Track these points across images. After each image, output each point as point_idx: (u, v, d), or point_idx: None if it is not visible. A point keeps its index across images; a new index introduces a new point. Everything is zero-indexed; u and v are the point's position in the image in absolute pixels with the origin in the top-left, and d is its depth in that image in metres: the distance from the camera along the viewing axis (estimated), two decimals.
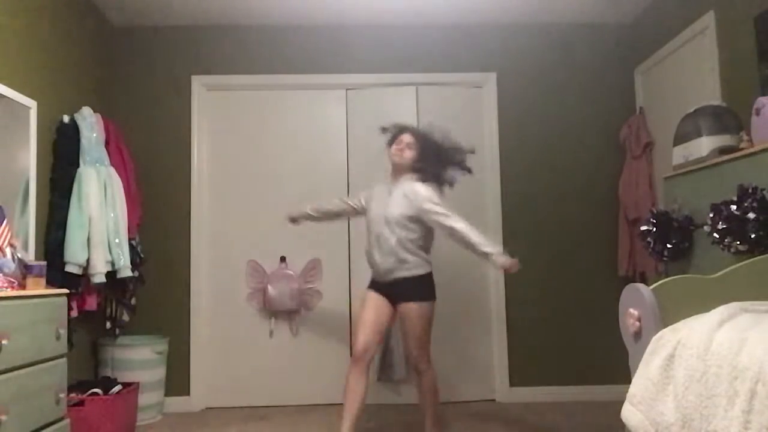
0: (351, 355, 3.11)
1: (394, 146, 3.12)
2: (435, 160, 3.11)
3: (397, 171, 3.13)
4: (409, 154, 3.08)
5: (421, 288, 3.04)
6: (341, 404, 3.86)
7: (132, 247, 3.68)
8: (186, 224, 4.18)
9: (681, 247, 2.72)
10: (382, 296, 3.05)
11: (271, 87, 4.33)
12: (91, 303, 3.47)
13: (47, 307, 2.45)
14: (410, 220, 3.00)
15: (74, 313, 3.29)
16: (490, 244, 2.97)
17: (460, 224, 2.96)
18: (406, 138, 3.11)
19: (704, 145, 2.69)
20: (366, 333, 2.99)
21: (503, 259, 2.93)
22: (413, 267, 3.01)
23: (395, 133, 3.17)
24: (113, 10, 4.06)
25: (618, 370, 3.07)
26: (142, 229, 3.97)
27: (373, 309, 3.03)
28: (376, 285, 3.09)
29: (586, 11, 4.20)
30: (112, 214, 3.45)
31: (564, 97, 4.36)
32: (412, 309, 3.00)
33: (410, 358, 3.08)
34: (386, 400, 4.07)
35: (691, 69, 3.59)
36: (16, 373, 2.20)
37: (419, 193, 3.01)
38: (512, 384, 4.18)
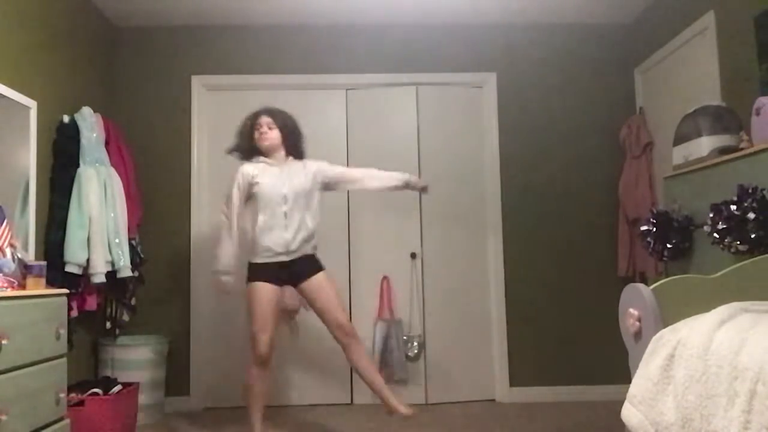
0: (255, 354, 3.00)
1: (256, 132, 3.11)
2: (298, 134, 3.19)
3: (271, 153, 3.12)
4: (275, 134, 3.10)
5: (317, 259, 3.15)
6: (342, 404, 3.87)
7: (132, 247, 3.68)
8: (186, 224, 4.18)
9: (681, 247, 2.72)
10: (273, 285, 3.00)
11: (271, 87, 4.33)
12: (91, 303, 3.47)
13: (47, 307, 2.45)
14: (311, 195, 3.09)
15: (74, 313, 3.29)
16: (396, 175, 3.17)
17: (361, 169, 3.24)
18: (265, 120, 3.11)
19: (704, 145, 2.69)
20: (268, 332, 2.98)
21: (415, 179, 3.19)
22: (314, 244, 3.12)
23: (251, 120, 3.15)
24: (113, 10, 4.06)
25: (618, 370, 3.07)
26: (142, 229, 3.97)
27: (269, 303, 2.99)
28: (268, 272, 3.00)
29: (586, 11, 4.20)
30: (112, 214, 3.45)
31: (564, 97, 4.36)
32: (322, 279, 3.06)
33: (342, 327, 3.03)
34: None
35: (691, 69, 3.59)
36: (16, 373, 2.20)
37: (316, 162, 3.19)
38: (512, 384, 4.18)
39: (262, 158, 3.11)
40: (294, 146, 3.17)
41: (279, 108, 3.20)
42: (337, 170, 3.22)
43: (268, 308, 2.99)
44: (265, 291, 2.99)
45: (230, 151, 3.20)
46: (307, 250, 3.08)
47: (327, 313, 3.06)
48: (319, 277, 3.07)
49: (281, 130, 3.11)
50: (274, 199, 3.01)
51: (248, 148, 3.14)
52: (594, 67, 4.37)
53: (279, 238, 3.00)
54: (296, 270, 3.04)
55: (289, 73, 4.31)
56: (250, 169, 3.07)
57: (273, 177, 3.05)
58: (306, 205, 3.06)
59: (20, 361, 2.23)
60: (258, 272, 3.02)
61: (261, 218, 3.00)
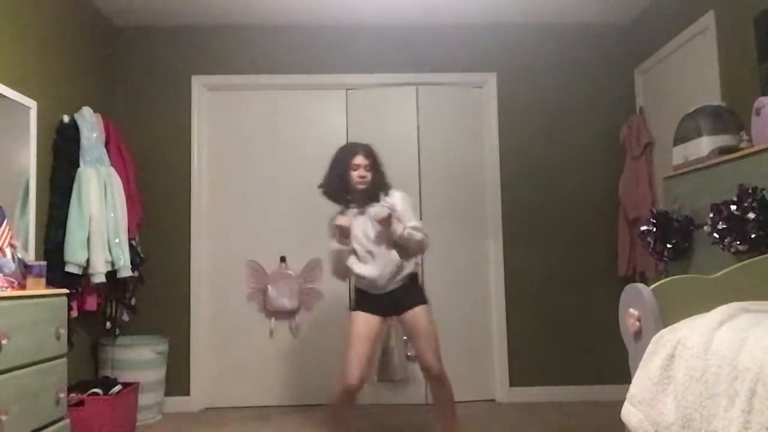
0: (343, 384, 2.81)
1: (353, 172, 2.87)
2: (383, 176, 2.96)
3: (361, 197, 2.91)
4: (370, 176, 2.88)
5: (420, 290, 2.99)
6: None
7: (132, 247, 3.68)
8: (186, 224, 4.18)
9: (681, 247, 2.72)
10: (373, 315, 2.88)
11: (271, 87, 4.33)
12: (91, 303, 3.47)
13: (47, 307, 2.45)
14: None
15: (74, 313, 3.29)
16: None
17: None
18: (361, 160, 2.89)
19: (704, 145, 2.68)
20: (361, 366, 2.79)
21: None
22: (407, 269, 2.92)
23: (345, 155, 2.92)
24: (113, 10, 4.06)
25: (618, 370, 3.07)
26: (142, 229, 3.97)
27: (364, 336, 2.84)
28: (367, 302, 2.90)
29: (586, 11, 4.20)
30: (112, 214, 3.45)
31: (564, 97, 4.36)
32: (419, 312, 2.89)
33: (425, 365, 2.86)
34: (386, 400, 4.07)
35: (691, 69, 3.59)
36: (16, 373, 2.20)
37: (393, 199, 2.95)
38: (512, 384, 4.18)
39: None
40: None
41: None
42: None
43: (362, 343, 2.84)
44: (361, 320, 2.87)
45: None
46: (401, 279, 2.92)
47: (420, 352, 2.91)
48: (416, 311, 2.89)
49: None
50: (360, 242, 2.92)
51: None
52: (594, 67, 4.37)
53: (365, 273, 2.91)
54: (392, 300, 2.90)
55: (289, 73, 4.31)
56: None
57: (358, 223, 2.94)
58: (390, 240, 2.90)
59: (20, 361, 2.23)
60: (362, 299, 2.95)
61: None
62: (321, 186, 2.97)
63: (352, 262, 2.91)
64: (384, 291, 2.88)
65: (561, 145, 4.33)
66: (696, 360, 1.56)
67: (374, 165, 2.91)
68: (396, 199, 2.92)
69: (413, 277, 2.97)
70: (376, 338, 2.93)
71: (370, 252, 2.88)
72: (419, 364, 2.92)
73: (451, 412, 2.95)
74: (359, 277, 2.91)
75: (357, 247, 2.89)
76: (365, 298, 2.91)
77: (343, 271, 2.98)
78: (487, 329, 4.24)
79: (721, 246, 2.33)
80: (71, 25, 3.63)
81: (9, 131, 2.97)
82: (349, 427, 2.99)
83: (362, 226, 2.90)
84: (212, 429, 3.64)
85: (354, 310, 2.94)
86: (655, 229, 2.79)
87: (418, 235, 2.87)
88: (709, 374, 1.50)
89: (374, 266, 2.87)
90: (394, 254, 2.88)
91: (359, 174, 2.86)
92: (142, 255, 3.84)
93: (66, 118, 3.43)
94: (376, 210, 2.83)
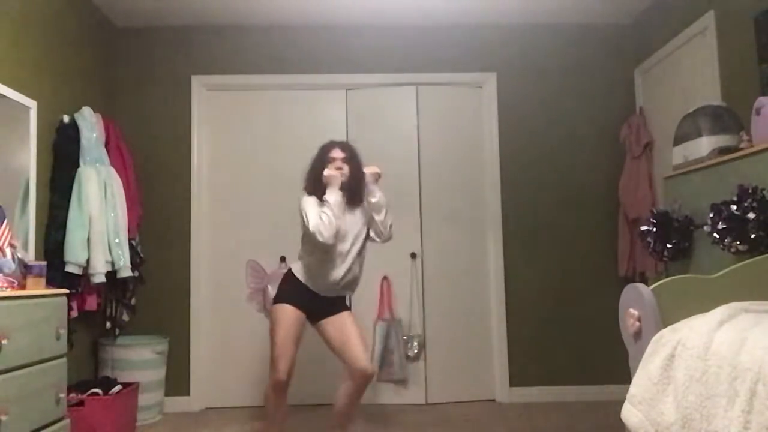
0: (275, 379, 2.86)
1: (330, 164, 2.93)
2: (360, 176, 2.99)
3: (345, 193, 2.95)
4: (347, 170, 2.94)
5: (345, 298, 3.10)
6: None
7: (132, 247, 3.68)
8: (186, 224, 4.18)
9: (681, 247, 2.72)
10: (301, 312, 2.90)
11: (271, 87, 4.33)
12: (91, 303, 3.47)
13: (47, 307, 2.45)
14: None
15: (74, 313, 3.29)
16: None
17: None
18: (338, 153, 2.97)
19: (704, 145, 2.68)
20: (289, 360, 2.84)
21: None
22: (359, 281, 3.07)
23: (323, 151, 3.00)
24: (114, 11, 4.06)
25: (618, 370, 3.07)
26: (142, 229, 3.98)
27: (295, 331, 2.87)
28: (303, 299, 2.90)
29: (586, 11, 4.20)
30: (112, 214, 3.45)
31: (564, 97, 4.36)
32: (348, 317, 2.96)
33: (362, 366, 2.83)
34: (386, 400, 4.08)
35: (691, 69, 3.59)
36: (16, 373, 2.20)
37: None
38: (512, 384, 4.18)
39: None
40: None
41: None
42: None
43: (291, 337, 2.88)
44: (290, 315, 2.90)
45: None
46: (351, 290, 3.09)
47: (347, 351, 2.90)
48: (344, 315, 2.98)
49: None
50: (343, 237, 2.97)
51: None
52: (594, 67, 4.37)
53: (328, 271, 2.96)
54: (328, 304, 2.97)
55: (289, 73, 4.31)
56: None
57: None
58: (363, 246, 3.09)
59: (20, 361, 2.23)
60: (296, 295, 2.97)
61: None
62: (304, 186, 3.02)
63: (316, 262, 2.91)
64: (330, 294, 2.95)
65: (561, 145, 4.33)
66: (696, 360, 1.56)
67: (351, 158, 2.97)
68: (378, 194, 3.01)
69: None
70: (301, 334, 2.94)
71: (348, 252, 2.91)
72: (351, 366, 2.86)
73: (354, 413, 3.06)
74: (318, 277, 2.91)
75: (339, 245, 2.88)
76: (302, 294, 2.92)
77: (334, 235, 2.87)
78: (487, 329, 4.24)
79: (721, 246, 2.33)
80: (71, 25, 3.63)
81: (9, 131, 2.97)
82: (282, 421, 3.04)
83: (354, 223, 2.95)
84: (212, 429, 3.64)
85: (283, 302, 2.91)
86: (655, 229, 2.79)
87: (390, 218, 3.01)
88: (709, 374, 1.50)
89: (341, 269, 2.90)
90: (358, 264, 2.98)
91: (336, 166, 2.93)
92: (142, 255, 3.85)
93: (66, 118, 3.43)
94: (371, 166, 3.00)
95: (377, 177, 3.01)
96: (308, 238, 2.87)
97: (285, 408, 3.02)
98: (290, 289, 2.93)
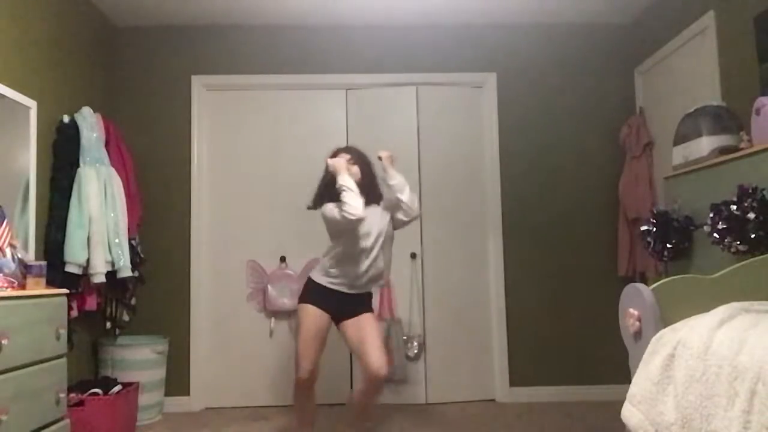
0: (297, 378, 2.93)
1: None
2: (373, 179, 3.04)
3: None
4: (357, 171, 2.97)
5: (371, 297, 3.09)
6: (341, 404, 3.87)
7: (132, 247, 3.68)
8: (186, 224, 4.18)
9: (681, 247, 2.72)
10: (325, 313, 2.93)
11: (271, 87, 4.33)
12: (91, 303, 3.47)
13: (47, 307, 2.45)
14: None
15: (74, 313, 3.29)
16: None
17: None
18: (344, 157, 3.01)
19: (704, 145, 2.69)
20: (312, 360, 2.89)
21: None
22: (385, 277, 3.09)
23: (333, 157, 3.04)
24: (114, 11, 4.06)
25: (618, 370, 3.08)
26: (142, 229, 3.98)
27: (317, 332, 2.90)
28: (327, 300, 2.93)
29: (586, 11, 4.20)
30: (112, 214, 3.45)
31: (564, 97, 4.36)
32: (368, 318, 2.98)
33: (374, 368, 2.81)
34: (386, 400, 4.07)
35: (691, 69, 3.59)
36: (16, 373, 2.20)
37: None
38: (512, 384, 4.18)
39: None
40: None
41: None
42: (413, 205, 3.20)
43: (315, 337, 2.92)
44: (314, 315, 2.94)
45: None
46: (376, 286, 3.11)
47: (367, 351, 2.90)
48: (368, 315, 3.00)
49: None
50: (368, 234, 3.00)
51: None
52: (594, 67, 4.37)
53: (356, 266, 2.99)
54: (353, 303, 2.99)
55: (289, 73, 4.31)
56: None
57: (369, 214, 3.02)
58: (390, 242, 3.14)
59: (20, 361, 2.23)
60: (320, 294, 3.00)
61: None
62: (317, 201, 3.02)
63: (341, 257, 2.94)
64: (356, 291, 2.96)
65: (561, 145, 4.33)
66: (696, 360, 1.56)
67: (358, 159, 3.00)
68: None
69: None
70: (326, 334, 2.97)
71: (372, 248, 2.93)
72: (365, 367, 2.87)
73: (370, 412, 3.09)
74: (342, 275, 2.93)
75: (362, 241, 2.91)
76: (326, 295, 2.94)
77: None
78: (487, 329, 4.24)
79: (721, 246, 2.33)
80: (71, 25, 3.63)
81: (9, 131, 2.97)
82: (312, 418, 3.07)
83: (375, 220, 2.97)
84: (212, 429, 3.64)
85: (307, 303, 2.95)
86: (655, 229, 2.79)
87: (415, 195, 3.05)
88: (709, 374, 1.50)
89: (364, 263, 2.93)
90: (382, 260, 3.00)
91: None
92: (142, 255, 3.84)
93: (66, 118, 3.43)
94: (382, 151, 3.08)
95: (392, 159, 3.08)
96: (337, 236, 2.93)
97: (313, 407, 3.06)
98: (314, 291, 2.97)
